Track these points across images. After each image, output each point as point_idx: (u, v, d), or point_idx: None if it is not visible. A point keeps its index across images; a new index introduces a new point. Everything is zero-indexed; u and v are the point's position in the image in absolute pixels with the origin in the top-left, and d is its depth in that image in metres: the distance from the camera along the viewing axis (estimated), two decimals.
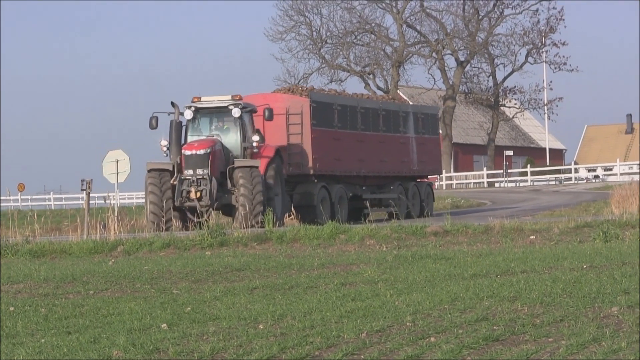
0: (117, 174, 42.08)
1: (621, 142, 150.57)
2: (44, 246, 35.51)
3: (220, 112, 45.01)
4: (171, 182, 42.89)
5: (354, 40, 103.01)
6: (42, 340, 16.23)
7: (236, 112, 43.45)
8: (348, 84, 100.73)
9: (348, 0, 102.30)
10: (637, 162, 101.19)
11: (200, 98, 44.41)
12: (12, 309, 20.37)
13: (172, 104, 44.25)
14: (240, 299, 19.99)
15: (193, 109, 44.14)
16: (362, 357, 13.69)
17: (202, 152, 43.16)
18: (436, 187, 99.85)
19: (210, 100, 44.89)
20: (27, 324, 18.10)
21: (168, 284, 23.82)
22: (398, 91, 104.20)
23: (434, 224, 34.76)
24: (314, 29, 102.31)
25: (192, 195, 42.41)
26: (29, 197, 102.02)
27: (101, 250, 34.31)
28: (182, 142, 44.30)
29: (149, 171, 43.29)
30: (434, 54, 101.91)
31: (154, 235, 37.32)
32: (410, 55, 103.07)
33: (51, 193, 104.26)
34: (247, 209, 41.03)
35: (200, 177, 42.70)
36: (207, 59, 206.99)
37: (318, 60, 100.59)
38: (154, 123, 44.61)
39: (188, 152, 43.25)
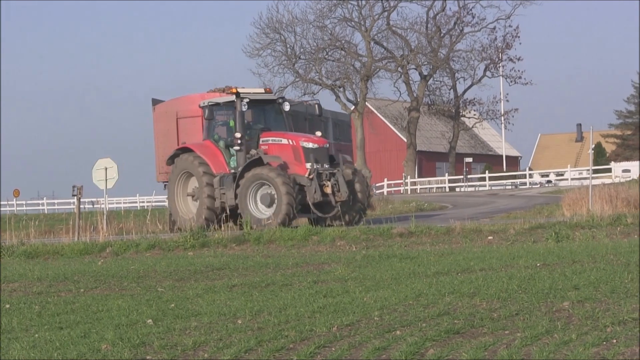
0: (106, 180, 41.93)
1: (572, 150, 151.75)
2: (38, 248, 35.45)
3: (266, 104, 41.33)
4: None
5: (326, 56, 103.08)
6: (36, 335, 16.21)
7: (287, 106, 40.81)
8: (320, 96, 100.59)
9: (320, 19, 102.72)
10: (587, 168, 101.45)
11: (237, 89, 39.86)
12: (7, 306, 20.31)
13: (237, 94, 39.50)
14: (220, 296, 19.98)
15: (247, 100, 39.49)
16: (333, 349, 13.73)
17: (326, 145, 39.87)
18: (402, 192, 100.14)
19: (258, 92, 41.38)
20: (22, 320, 18.06)
21: (153, 282, 23.79)
22: (366, 103, 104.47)
23: (400, 226, 34.83)
24: (288, 46, 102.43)
25: (327, 189, 37.80)
26: (23, 202, 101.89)
27: (91, 251, 34.24)
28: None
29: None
30: (399, 69, 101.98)
31: (140, 237, 37.26)
32: (378, 69, 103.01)
33: (44, 198, 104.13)
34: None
35: (330, 171, 38.20)
36: (190, 72, 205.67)
37: (292, 75, 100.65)
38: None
39: (310, 145, 38.70)
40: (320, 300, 18.34)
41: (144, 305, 19.04)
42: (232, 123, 39.67)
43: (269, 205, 37.01)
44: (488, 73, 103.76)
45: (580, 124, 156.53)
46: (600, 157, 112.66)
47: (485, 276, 20.54)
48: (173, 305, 18.93)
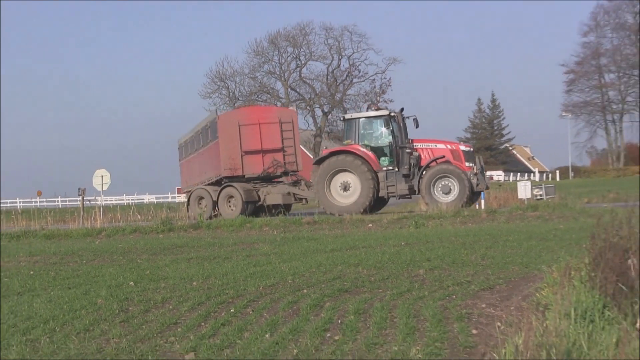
0: (102, 184, 41.69)
1: None
2: (54, 232, 35.10)
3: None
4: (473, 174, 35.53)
5: (256, 98, 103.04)
6: (52, 293, 16.06)
7: (406, 119, 37.04)
8: None
9: (253, 72, 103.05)
10: None
11: (377, 105, 37.24)
12: (32, 272, 20.12)
13: (390, 111, 36.98)
14: (181, 266, 19.88)
15: (394, 114, 36.61)
16: (260, 302, 13.74)
17: (472, 149, 37.85)
18: None
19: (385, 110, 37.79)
20: (42, 282, 17.87)
21: (134, 256, 23.60)
22: None
23: (307, 217, 34.90)
24: (230, 91, 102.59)
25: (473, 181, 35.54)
26: (44, 199, 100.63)
27: (91, 234, 33.90)
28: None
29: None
30: (308, 107, 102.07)
31: (125, 224, 37.04)
32: (293, 107, 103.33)
33: (59, 197, 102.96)
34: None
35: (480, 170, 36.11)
36: (156, 108, 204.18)
37: None
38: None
39: (466, 149, 36.68)
40: (251, 268, 18.32)
41: (128, 272, 18.91)
42: (378, 131, 36.82)
43: (447, 194, 35.10)
44: (370, 111, 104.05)
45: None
46: None
47: (366, 252, 20.63)
48: (148, 272, 18.80)
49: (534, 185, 37.17)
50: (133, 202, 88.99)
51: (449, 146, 36.60)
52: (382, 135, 36.58)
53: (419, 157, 36.05)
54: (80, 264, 22.25)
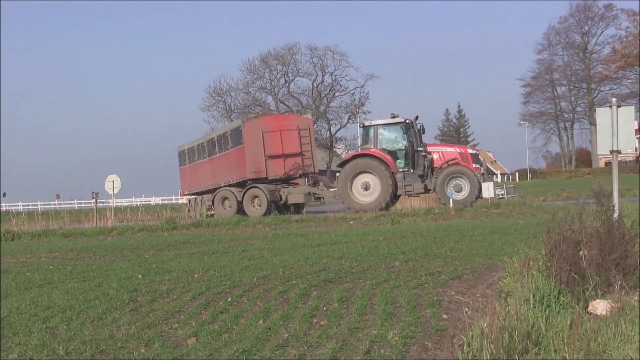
0: (113, 188, 41.58)
1: None
2: (70, 231, 34.96)
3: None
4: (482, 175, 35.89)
5: (249, 110, 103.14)
6: (69, 285, 15.98)
7: (418, 125, 36.52)
8: None
9: (246, 87, 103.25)
10: None
11: (394, 114, 36.21)
12: (51, 267, 20.02)
13: (405, 118, 36.17)
14: (184, 260, 19.81)
15: (409, 121, 36.18)
16: (254, 292, 13.71)
17: (478, 152, 37.89)
18: None
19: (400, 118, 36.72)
20: (60, 276, 17.79)
21: (142, 251, 23.52)
22: None
23: (296, 216, 34.92)
24: (226, 104, 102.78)
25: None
26: (62, 202, 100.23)
27: (103, 232, 33.75)
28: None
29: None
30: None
31: (134, 224, 36.97)
32: (309, 115, 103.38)
33: (75, 199, 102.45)
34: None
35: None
36: (160, 121, 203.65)
37: (229, 122, 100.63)
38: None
39: (473, 152, 37.00)
40: (246, 262, 18.27)
41: (136, 266, 18.84)
42: (391, 136, 36.43)
43: (458, 192, 34.94)
44: (350, 121, 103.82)
45: None
46: None
47: (348, 246, 20.60)
48: (154, 266, 18.74)
49: (497, 185, 37.14)
50: (141, 203, 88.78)
51: (458, 149, 36.82)
52: (399, 140, 36.45)
53: (432, 160, 36.00)
54: (94, 259, 22.15)
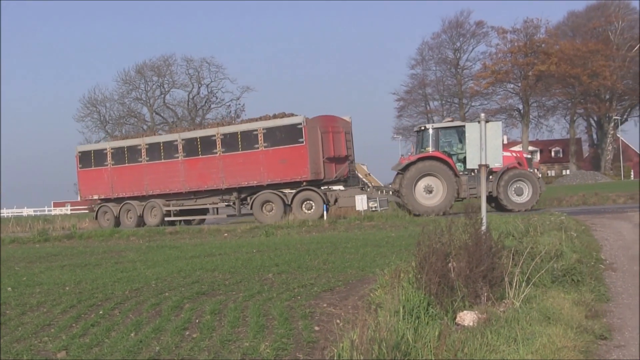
0: None
1: None
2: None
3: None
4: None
5: (124, 121, 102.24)
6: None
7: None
8: None
9: (121, 98, 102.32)
10: None
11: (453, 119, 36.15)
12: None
13: (460, 123, 36.75)
14: (55, 272, 19.40)
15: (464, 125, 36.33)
16: (127, 305, 13.53)
17: (530, 156, 37.44)
18: None
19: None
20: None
21: (12, 264, 22.89)
22: None
23: (170, 227, 34.68)
24: (101, 115, 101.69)
25: None
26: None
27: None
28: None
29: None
30: (171, 129, 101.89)
31: (5, 236, 35.96)
32: (158, 130, 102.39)
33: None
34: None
35: None
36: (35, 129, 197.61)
37: (104, 133, 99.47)
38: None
39: (528, 156, 37.37)
40: (119, 274, 18.01)
41: (6, 279, 18.35)
42: (449, 140, 36.26)
43: (519, 195, 35.14)
44: None
45: None
46: None
47: (222, 258, 20.57)
48: (25, 278, 18.29)
49: (370, 198, 37.56)
50: (12, 215, 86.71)
51: (514, 154, 37.10)
52: (456, 143, 36.26)
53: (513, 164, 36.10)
54: None
